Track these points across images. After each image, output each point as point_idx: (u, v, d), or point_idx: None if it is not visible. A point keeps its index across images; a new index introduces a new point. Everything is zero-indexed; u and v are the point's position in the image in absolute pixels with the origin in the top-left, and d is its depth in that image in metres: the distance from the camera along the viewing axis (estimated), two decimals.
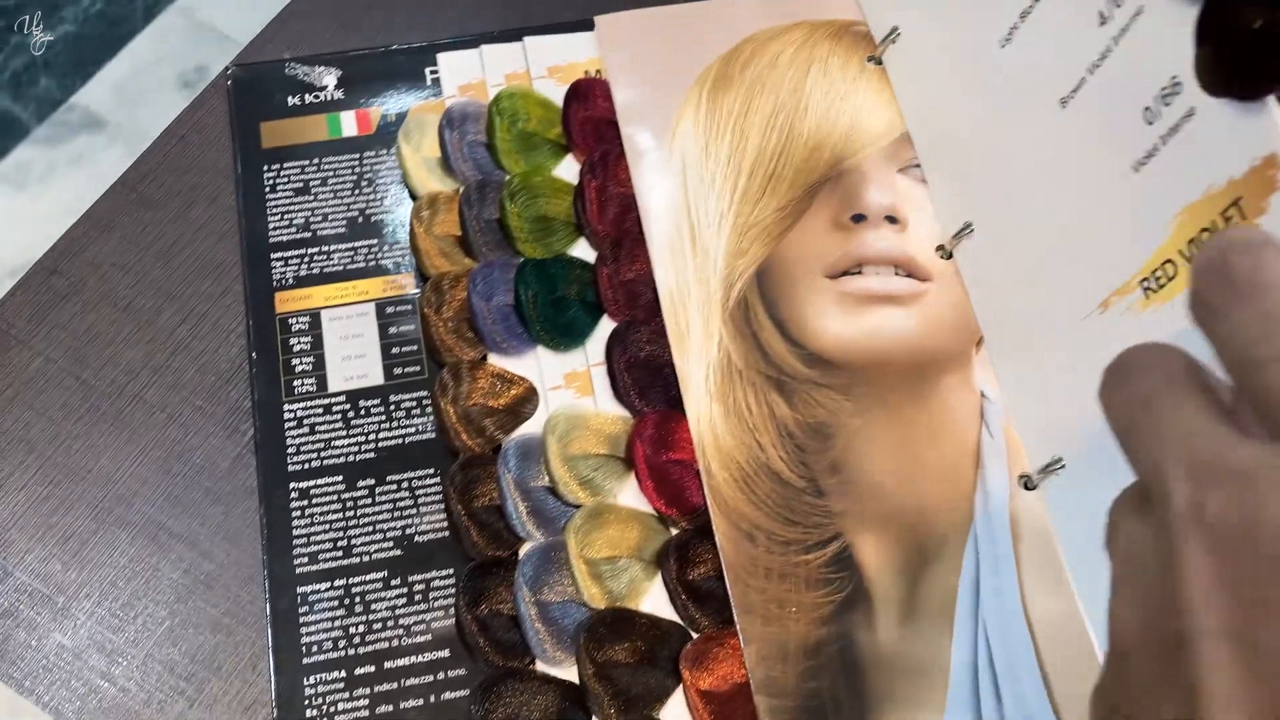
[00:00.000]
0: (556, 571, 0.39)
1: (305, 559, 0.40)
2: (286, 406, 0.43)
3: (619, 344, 0.43)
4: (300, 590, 0.40)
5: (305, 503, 0.41)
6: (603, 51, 0.49)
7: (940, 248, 0.43)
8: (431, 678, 0.39)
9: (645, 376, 0.42)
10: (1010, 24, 0.39)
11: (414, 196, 0.47)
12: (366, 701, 0.38)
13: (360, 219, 0.46)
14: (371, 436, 0.42)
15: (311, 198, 0.46)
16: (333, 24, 0.51)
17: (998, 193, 0.41)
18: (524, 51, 0.49)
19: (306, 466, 0.42)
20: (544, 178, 0.46)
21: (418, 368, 0.44)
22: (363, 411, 0.43)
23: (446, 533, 0.41)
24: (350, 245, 0.46)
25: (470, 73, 0.49)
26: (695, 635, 0.39)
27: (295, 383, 0.43)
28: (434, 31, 0.50)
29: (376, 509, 0.41)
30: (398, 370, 0.44)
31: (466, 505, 0.40)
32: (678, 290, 0.43)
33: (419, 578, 0.40)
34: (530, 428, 0.42)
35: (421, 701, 0.38)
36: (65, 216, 0.47)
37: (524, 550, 0.40)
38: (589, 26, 0.49)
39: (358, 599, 0.40)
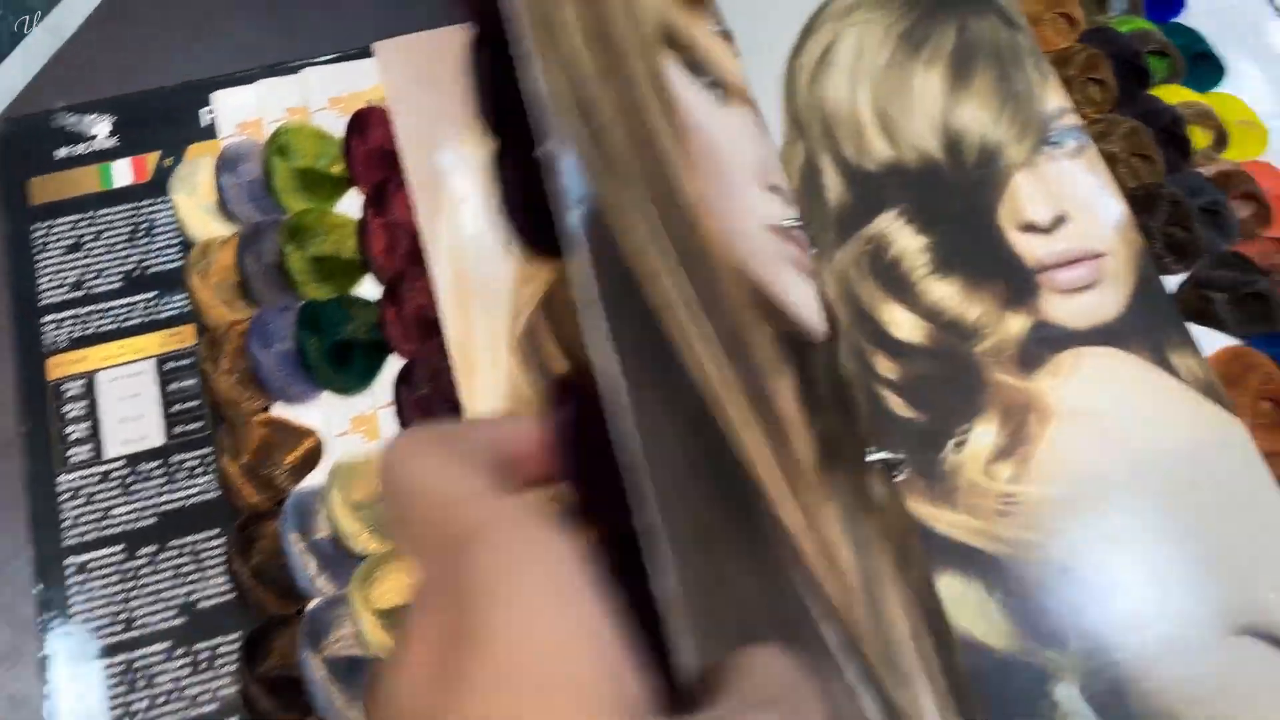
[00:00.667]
0: (343, 625, 0.38)
1: (84, 636, 0.39)
2: (61, 478, 0.41)
3: (406, 383, 0.42)
4: (78, 671, 0.38)
5: (83, 578, 0.39)
6: (383, 78, 0.47)
7: None
8: None
9: (435, 414, 0.41)
10: None
11: (193, 244, 0.45)
12: None
13: (137, 272, 0.45)
14: (153, 501, 0.41)
15: (84, 254, 0.45)
16: (108, 67, 0.49)
17: None
18: (304, 83, 0.48)
19: (84, 539, 0.40)
20: (323, 215, 0.44)
21: (200, 424, 0.42)
22: (143, 475, 0.41)
23: (233, 595, 0.39)
24: (127, 301, 0.44)
25: (248, 109, 0.47)
26: None
27: (69, 452, 0.41)
28: (212, 68, 0.49)
29: (158, 577, 0.40)
30: (179, 429, 0.42)
31: (250, 565, 0.39)
32: (463, 323, 0.42)
33: (204, 645, 0.39)
34: (317, 478, 0.41)
35: None
36: None
37: (310, 606, 0.39)
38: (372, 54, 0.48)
39: (139, 674, 0.38)
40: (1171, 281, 0.44)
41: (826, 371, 0.39)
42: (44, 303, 0.44)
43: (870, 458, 0.39)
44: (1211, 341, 0.43)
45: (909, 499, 0.39)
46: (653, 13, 0.42)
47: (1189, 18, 0.50)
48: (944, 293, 0.43)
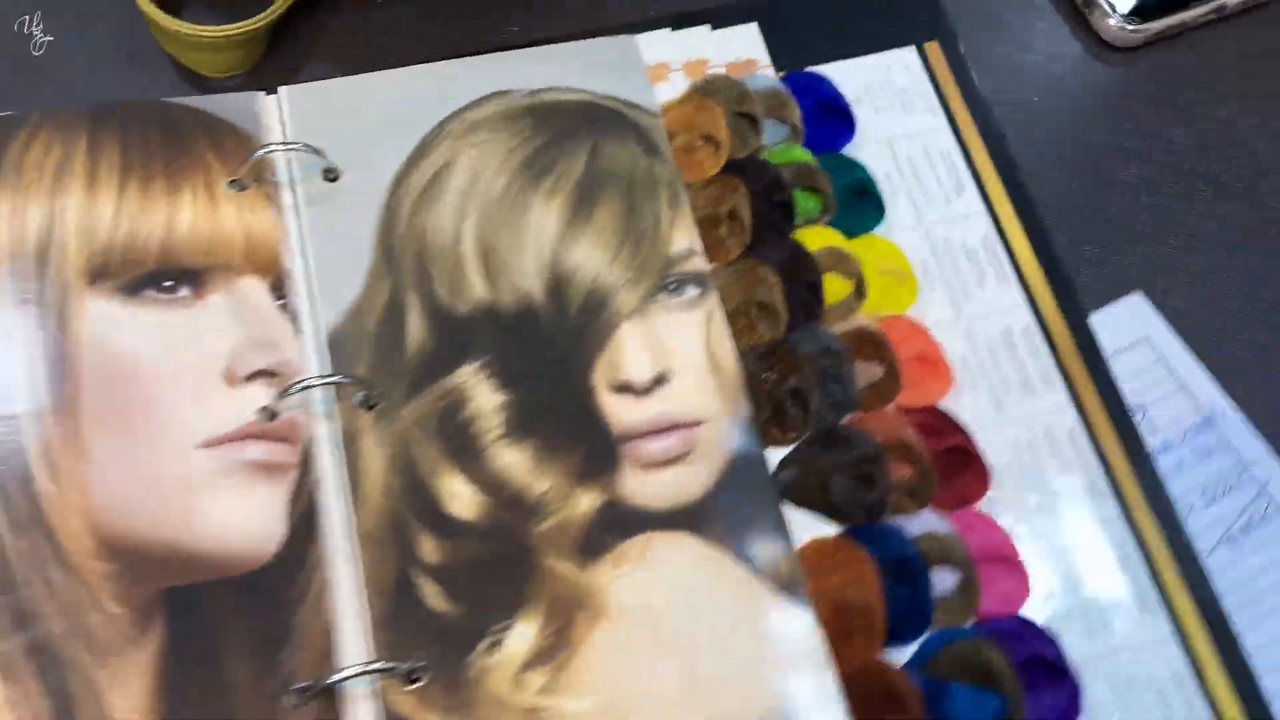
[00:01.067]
0: None
1: None
2: None
3: None
4: None
5: None
6: None
7: None
8: None
9: None
10: None
11: None
12: None
13: None
14: None
15: None
16: None
17: None
18: None
19: None
20: None
21: None
22: None
23: None
24: None
25: None
26: None
27: None
28: None
29: None
30: None
31: None
32: None
33: None
34: None
35: None
36: None
37: None
38: None
39: None
40: (776, 455, 0.39)
41: (267, 599, 0.35)
42: None
43: (361, 670, 0.34)
44: (811, 527, 0.38)
45: (422, 713, 0.34)
46: (69, 265, 0.39)
47: (857, 148, 0.46)
48: (512, 461, 0.38)
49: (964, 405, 0.41)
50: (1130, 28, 0.49)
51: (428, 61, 0.46)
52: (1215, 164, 0.47)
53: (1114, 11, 0.49)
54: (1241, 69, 0.49)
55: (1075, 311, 0.43)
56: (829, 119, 0.46)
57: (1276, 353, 0.43)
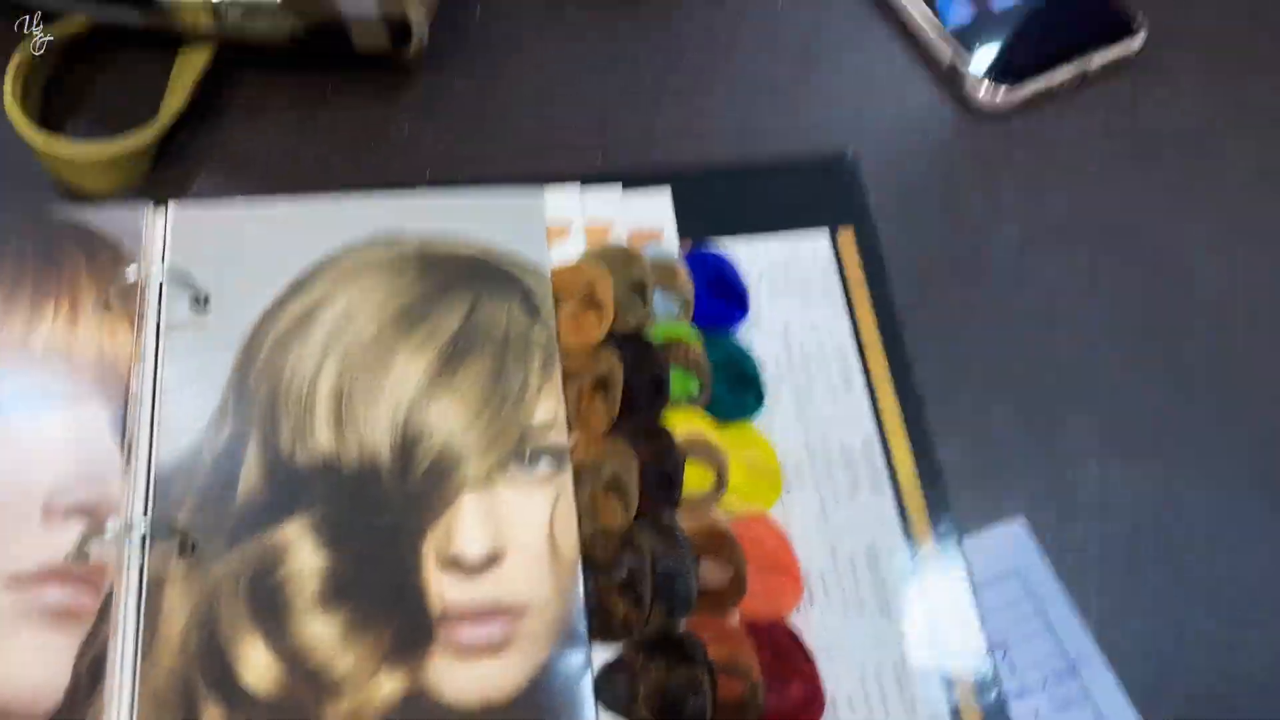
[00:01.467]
0: None
1: None
2: None
3: None
4: None
5: None
6: None
7: None
8: None
9: None
10: None
11: None
12: None
13: None
14: None
15: None
16: None
17: None
18: None
19: None
20: None
21: None
22: None
23: None
24: None
25: None
26: None
27: None
28: None
29: None
30: None
31: None
32: None
33: None
34: None
35: None
36: None
37: None
38: None
39: None
40: (604, 655, 0.37)
41: None
42: None
43: None
44: None
45: None
46: None
47: (750, 330, 0.44)
48: (320, 631, 0.36)
49: (813, 622, 0.39)
50: (1000, 93, 0.50)
51: (324, 170, 0.45)
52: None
53: (979, 78, 0.50)
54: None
55: (949, 536, 0.41)
56: (723, 298, 0.44)
57: (1155, 605, 0.41)
